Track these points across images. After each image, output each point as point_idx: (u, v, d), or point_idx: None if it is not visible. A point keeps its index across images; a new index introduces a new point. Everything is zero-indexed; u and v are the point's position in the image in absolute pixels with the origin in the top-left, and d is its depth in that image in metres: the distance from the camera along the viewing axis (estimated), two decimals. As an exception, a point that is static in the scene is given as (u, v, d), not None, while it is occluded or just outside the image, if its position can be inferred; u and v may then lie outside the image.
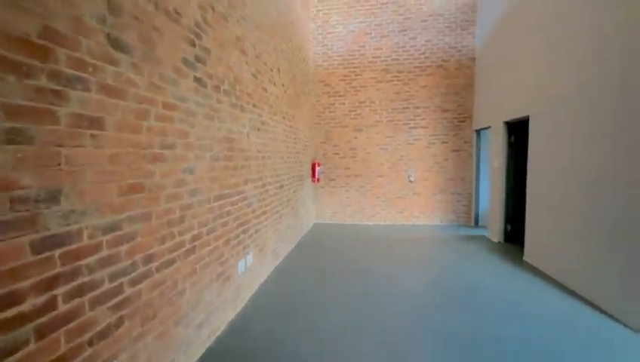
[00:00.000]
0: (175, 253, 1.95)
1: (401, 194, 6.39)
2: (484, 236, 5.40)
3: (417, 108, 6.20)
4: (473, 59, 5.96)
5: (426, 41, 6.07)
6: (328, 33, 6.35)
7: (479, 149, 6.01)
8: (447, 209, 6.30)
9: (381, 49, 6.21)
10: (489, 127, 5.35)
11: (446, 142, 6.20)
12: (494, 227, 5.14)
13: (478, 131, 5.97)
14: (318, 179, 6.34)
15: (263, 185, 3.56)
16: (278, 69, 4.15)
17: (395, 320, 2.71)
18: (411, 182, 6.33)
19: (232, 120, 2.76)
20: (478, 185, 6.07)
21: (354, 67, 6.32)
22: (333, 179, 6.58)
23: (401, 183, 6.37)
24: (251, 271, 3.19)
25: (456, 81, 6.05)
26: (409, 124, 6.26)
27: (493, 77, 5.20)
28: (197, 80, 2.21)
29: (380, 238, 5.38)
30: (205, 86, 2.32)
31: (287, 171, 4.55)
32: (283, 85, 4.37)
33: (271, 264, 3.87)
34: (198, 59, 2.22)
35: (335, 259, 4.37)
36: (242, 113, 2.99)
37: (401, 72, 6.19)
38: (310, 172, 6.22)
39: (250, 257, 3.14)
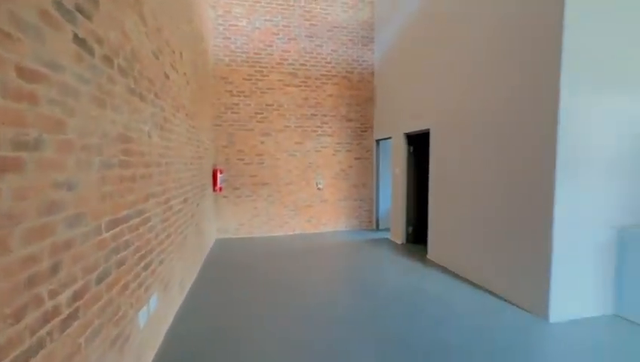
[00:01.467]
0: (44, 330, 1.12)
1: (310, 202, 6.26)
2: (388, 238, 5.81)
3: (325, 115, 6.23)
4: (373, 73, 6.42)
5: (331, 50, 6.18)
6: (231, 25, 5.69)
7: (379, 158, 6.49)
8: (351, 215, 6.54)
9: (289, 52, 5.97)
10: (389, 137, 5.82)
11: (350, 151, 6.44)
12: (397, 230, 5.58)
13: (377, 141, 6.44)
14: (220, 188, 5.54)
15: (167, 201, 2.72)
16: (181, 54, 3.34)
17: (327, 341, 2.43)
18: (319, 189, 6.29)
19: (130, 111, 1.93)
20: (378, 191, 6.54)
21: (260, 67, 5.85)
22: (238, 188, 5.90)
23: (309, 191, 6.25)
24: (156, 318, 2.34)
25: (359, 93, 6.38)
26: (317, 131, 6.22)
27: (392, 93, 5.68)
28: (79, 40, 1.40)
29: (292, 250, 5.07)
30: (92, 53, 1.50)
31: (191, 181, 3.71)
32: (185, 75, 3.55)
33: (178, 300, 3.01)
34: (80, 8, 1.41)
35: (247, 279, 3.80)
36: (143, 104, 2.16)
37: (308, 78, 6.10)
38: (211, 180, 5.38)
39: (154, 300, 2.29)
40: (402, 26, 5.27)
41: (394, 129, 5.59)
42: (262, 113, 5.92)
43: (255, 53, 5.82)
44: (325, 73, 6.17)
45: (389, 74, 5.81)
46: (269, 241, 5.62)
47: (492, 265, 3.39)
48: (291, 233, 6.17)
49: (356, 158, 6.49)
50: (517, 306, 3.04)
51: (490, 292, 3.36)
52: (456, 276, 3.86)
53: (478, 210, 3.57)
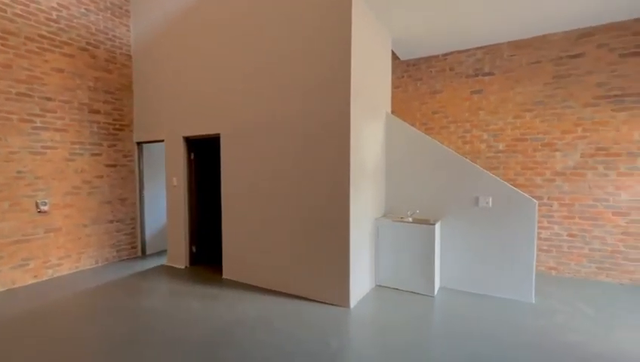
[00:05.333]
0: None
1: (23, 236, 3.87)
2: (165, 265, 4.68)
3: (49, 99, 4.07)
4: (131, 56, 4.97)
5: (59, 4, 4.14)
6: None
7: (142, 165, 5.12)
8: (103, 243, 4.72)
9: (-39, -25, 3.36)
10: (161, 140, 4.73)
11: (99, 154, 4.63)
12: (177, 252, 4.62)
13: (140, 144, 5.06)
14: None
15: None
16: None
17: None
18: (43, 212, 4.03)
19: None
20: (143, 208, 5.15)
21: None
22: None
23: (21, 217, 3.84)
24: None
25: (111, 77, 4.72)
26: (33, 121, 3.94)
27: (163, 86, 4.63)
28: None
29: None
30: None
31: None
32: None
33: None
34: None
35: None
36: None
37: (11, 34, 3.73)
38: None
39: None
40: (178, 5, 4.43)
41: (168, 130, 4.59)
42: None
43: None
44: (48, 36, 4.04)
45: (158, 62, 4.70)
46: None
47: (300, 272, 3.49)
48: (-19, 296, 3.52)
49: (109, 165, 4.76)
50: (331, 304, 3.25)
51: (303, 298, 3.41)
52: (263, 291, 3.65)
53: (282, 219, 3.59)
